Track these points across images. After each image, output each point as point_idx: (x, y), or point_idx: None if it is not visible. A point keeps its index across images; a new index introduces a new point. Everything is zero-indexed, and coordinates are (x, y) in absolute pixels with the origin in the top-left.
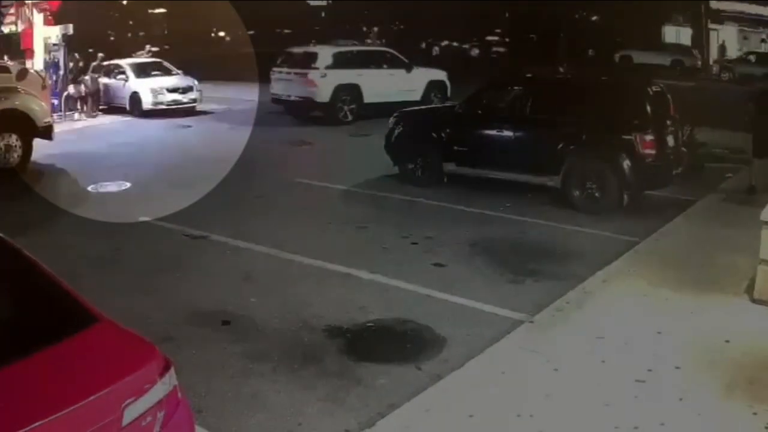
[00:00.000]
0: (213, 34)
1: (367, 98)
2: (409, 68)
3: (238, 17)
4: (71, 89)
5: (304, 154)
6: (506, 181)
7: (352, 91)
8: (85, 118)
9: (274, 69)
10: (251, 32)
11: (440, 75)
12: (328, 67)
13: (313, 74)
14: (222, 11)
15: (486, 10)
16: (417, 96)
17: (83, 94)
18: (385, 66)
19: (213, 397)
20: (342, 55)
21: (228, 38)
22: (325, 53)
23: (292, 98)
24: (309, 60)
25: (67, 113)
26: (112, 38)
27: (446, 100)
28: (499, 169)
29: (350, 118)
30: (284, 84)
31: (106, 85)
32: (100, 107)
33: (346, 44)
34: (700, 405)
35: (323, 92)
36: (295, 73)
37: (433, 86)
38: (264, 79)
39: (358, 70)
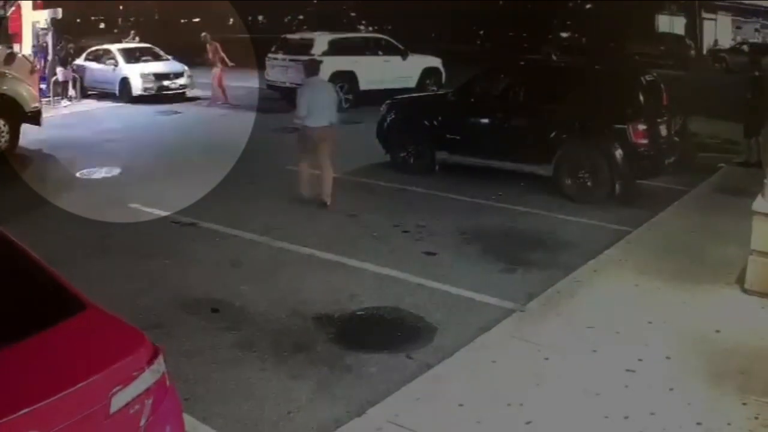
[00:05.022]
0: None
1: (363, 85)
2: (404, 55)
3: (231, 6)
4: (59, 74)
5: (294, 140)
6: (498, 170)
7: (347, 78)
8: (73, 103)
9: (270, 55)
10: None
11: (435, 62)
12: (324, 54)
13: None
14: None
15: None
16: (412, 83)
17: (71, 78)
18: (380, 53)
19: (202, 385)
20: (338, 41)
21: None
22: (321, 40)
23: (288, 85)
24: (305, 47)
25: (55, 98)
26: (102, 25)
27: (441, 88)
28: (492, 157)
29: (346, 105)
30: (280, 70)
31: (95, 71)
32: (89, 93)
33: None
34: (690, 395)
35: None
36: (291, 60)
37: (429, 73)
38: (260, 66)
39: (354, 57)
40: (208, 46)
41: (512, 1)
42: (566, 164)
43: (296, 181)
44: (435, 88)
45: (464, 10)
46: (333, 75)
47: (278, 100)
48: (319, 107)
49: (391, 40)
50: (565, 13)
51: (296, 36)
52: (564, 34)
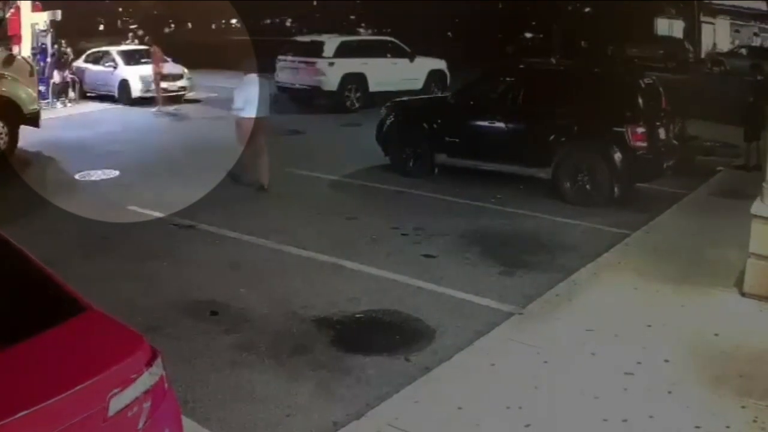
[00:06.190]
0: (187, 24)
1: (372, 87)
2: (412, 57)
3: (232, 7)
4: (55, 76)
5: (294, 143)
6: (498, 173)
7: (357, 79)
8: (72, 105)
9: (280, 57)
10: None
11: (440, 64)
12: (334, 56)
13: (320, 63)
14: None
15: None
16: (419, 85)
17: (67, 80)
18: (388, 55)
19: (200, 387)
20: (347, 44)
21: (215, 27)
22: (331, 42)
23: (297, 86)
24: (316, 49)
25: (54, 100)
26: (101, 26)
27: (445, 89)
28: (491, 160)
29: (356, 106)
30: (290, 72)
31: (94, 73)
32: (88, 94)
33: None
34: (688, 398)
35: (331, 81)
36: (302, 62)
37: (434, 75)
38: (261, 68)
39: (363, 59)
40: (151, 50)
41: (513, 3)
42: (565, 167)
43: (241, 168)
44: (439, 91)
45: (462, 12)
46: (344, 77)
47: (276, 103)
48: (253, 101)
49: (398, 42)
50: (564, 15)
51: (306, 38)
52: (528, 35)
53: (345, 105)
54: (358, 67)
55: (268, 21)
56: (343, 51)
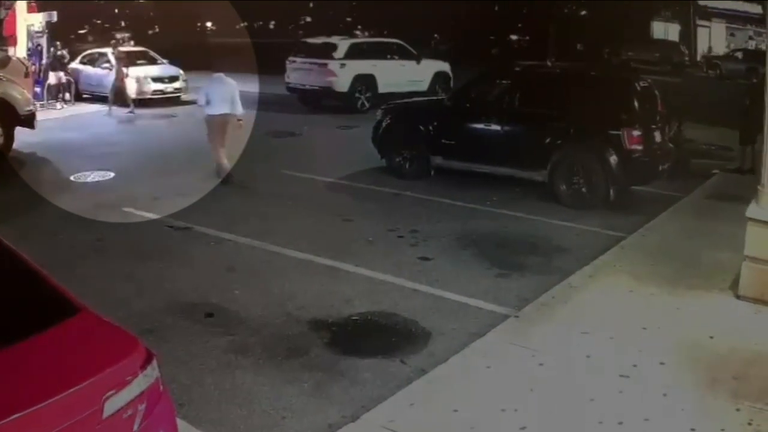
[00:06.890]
0: (199, 25)
1: (382, 88)
2: (418, 59)
3: (232, 9)
4: (51, 77)
5: (291, 145)
6: (494, 175)
7: (367, 81)
8: (67, 106)
9: (290, 59)
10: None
11: (444, 66)
12: (345, 58)
13: (332, 64)
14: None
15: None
16: (424, 86)
17: (63, 81)
18: (396, 57)
19: (196, 390)
20: (357, 46)
21: (215, 28)
22: (342, 44)
23: (307, 87)
24: (327, 50)
25: (49, 101)
26: (98, 28)
27: (449, 91)
28: (487, 162)
29: (367, 107)
30: (300, 73)
31: (90, 74)
32: (85, 96)
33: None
34: (684, 400)
35: (342, 82)
36: (313, 63)
37: (438, 77)
38: (262, 70)
39: (373, 60)
40: (114, 53)
41: (510, 4)
42: (561, 170)
43: (218, 164)
44: (443, 92)
45: (460, 13)
46: (354, 78)
47: (273, 104)
48: (217, 99)
49: (405, 44)
50: (560, 18)
51: (318, 40)
52: (514, 37)
53: (356, 106)
54: (368, 69)
55: (244, 24)
56: (353, 53)
